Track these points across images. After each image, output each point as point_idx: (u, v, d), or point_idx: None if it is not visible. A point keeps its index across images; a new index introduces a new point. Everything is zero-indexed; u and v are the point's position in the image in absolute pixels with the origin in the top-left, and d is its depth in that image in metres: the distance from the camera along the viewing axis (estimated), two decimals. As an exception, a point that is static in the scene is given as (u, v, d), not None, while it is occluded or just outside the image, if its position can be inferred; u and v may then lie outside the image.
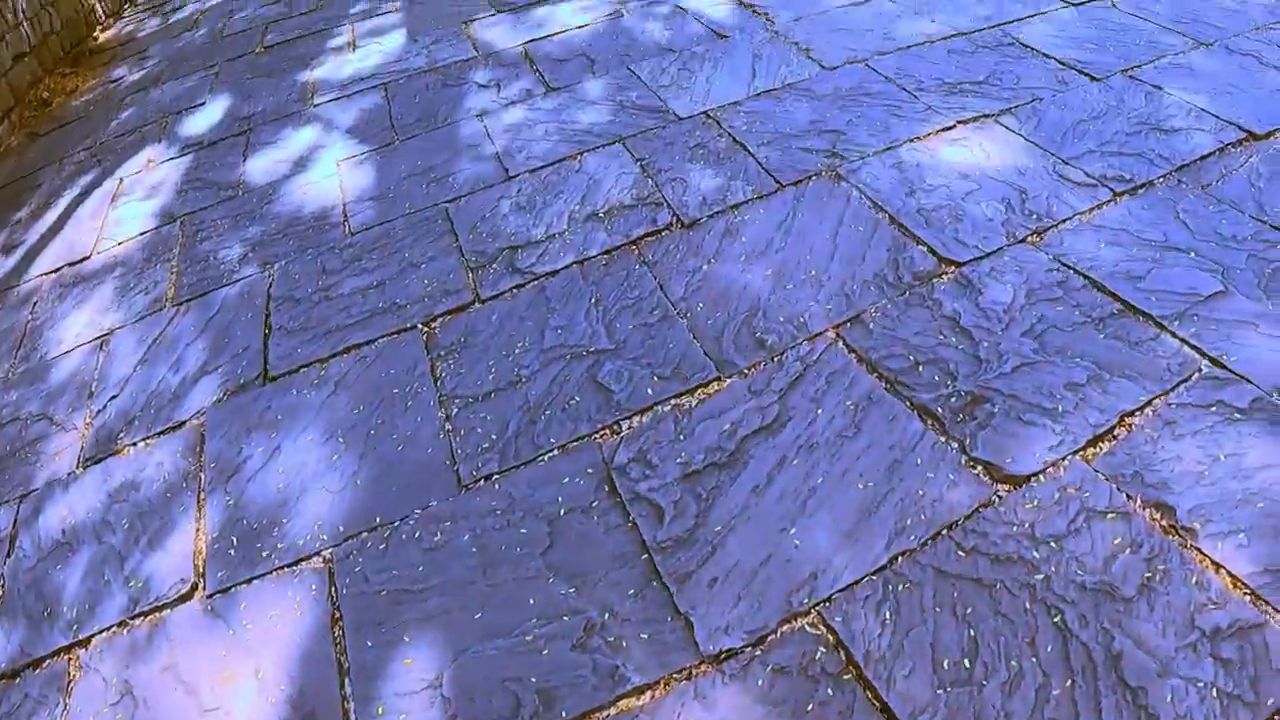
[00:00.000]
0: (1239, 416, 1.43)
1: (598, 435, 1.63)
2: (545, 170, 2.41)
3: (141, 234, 2.68)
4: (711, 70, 2.68)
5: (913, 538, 1.34)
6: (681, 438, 1.59)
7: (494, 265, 2.13)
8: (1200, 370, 1.51)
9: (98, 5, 5.47)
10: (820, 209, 2.00)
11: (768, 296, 1.82)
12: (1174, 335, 1.58)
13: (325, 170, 2.79)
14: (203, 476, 1.71)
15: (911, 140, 2.18)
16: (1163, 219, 1.86)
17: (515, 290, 2.03)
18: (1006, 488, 1.38)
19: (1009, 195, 1.95)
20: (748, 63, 2.68)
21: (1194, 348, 1.55)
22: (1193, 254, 1.75)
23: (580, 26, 3.23)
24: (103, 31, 5.43)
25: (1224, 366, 1.51)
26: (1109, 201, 1.92)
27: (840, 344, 1.68)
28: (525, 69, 3.02)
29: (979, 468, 1.42)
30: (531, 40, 3.22)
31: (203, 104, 3.63)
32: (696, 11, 3.17)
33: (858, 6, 2.98)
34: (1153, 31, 2.67)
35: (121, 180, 3.11)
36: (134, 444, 1.83)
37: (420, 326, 2.00)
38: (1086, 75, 2.42)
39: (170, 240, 2.61)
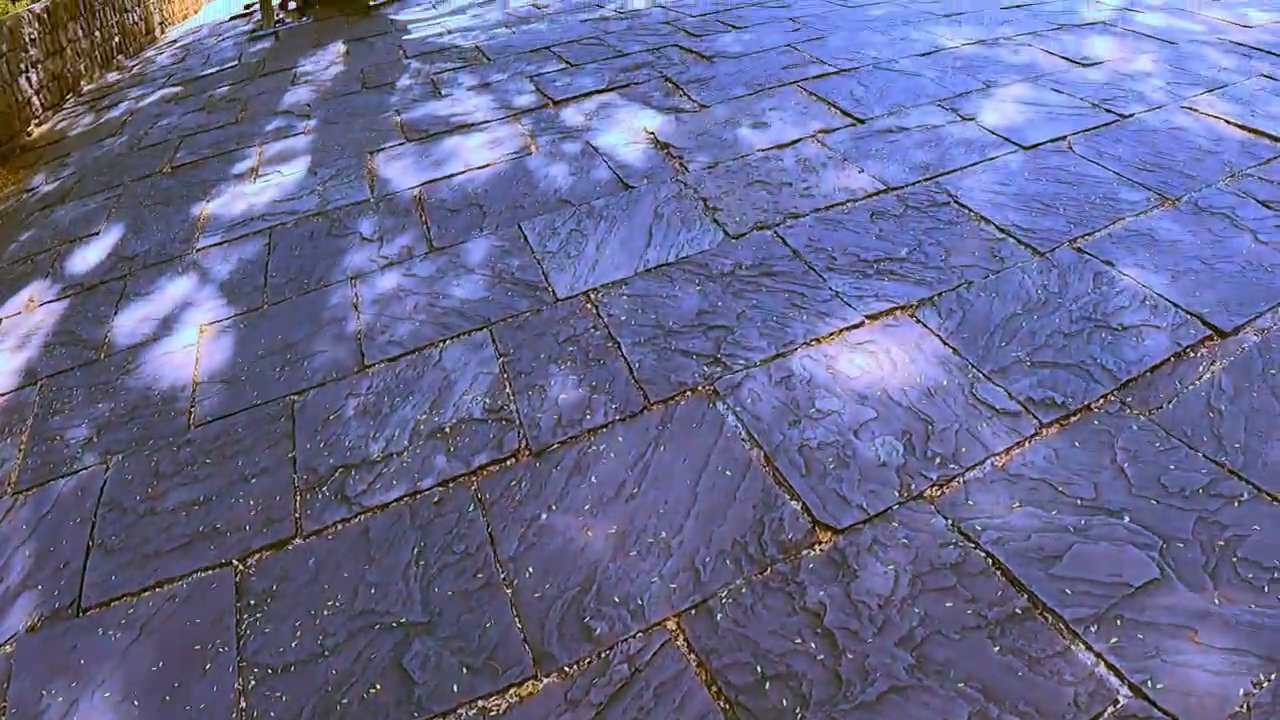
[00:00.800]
0: (1163, 785, 1.18)
1: (390, 744, 1.41)
2: (402, 361, 2.27)
3: (2, 395, 2.57)
4: (605, 233, 2.55)
5: None
6: (477, 764, 1.37)
7: (323, 489, 1.96)
8: (1116, 703, 1.28)
9: (34, 98, 5.58)
10: (686, 442, 1.82)
11: (606, 564, 1.62)
12: (1088, 647, 1.35)
13: (187, 337, 2.68)
14: (3, 725, 1.54)
15: (809, 343, 2.00)
16: (1096, 463, 1.65)
17: (339, 526, 1.85)
18: None
19: (912, 428, 1.76)
20: (646, 225, 2.55)
21: (1111, 667, 1.32)
22: (1127, 518, 1.53)
23: (483, 166, 3.15)
24: (38, 126, 5.54)
25: (1146, 698, 1.28)
26: (1033, 437, 1.72)
27: (680, 640, 1.47)
28: (414, 219, 2.92)
29: None
30: (430, 181, 3.14)
31: (97, 234, 3.59)
32: (608, 151, 3.08)
33: (781, 150, 2.87)
34: (1111, 184, 2.52)
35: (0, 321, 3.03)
36: (-48, 666, 1.67)
37: (236, 563, 1.82)
38: (1028, 247, 2.25)
39: (26, 408, 2.49)
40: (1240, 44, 3.77)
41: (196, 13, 9.82)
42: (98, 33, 6.85)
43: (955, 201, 2.47)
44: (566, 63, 4.23)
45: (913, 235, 2.33)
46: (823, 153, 2.83)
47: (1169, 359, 1.87)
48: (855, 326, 2.03)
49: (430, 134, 3.58)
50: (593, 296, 2.29)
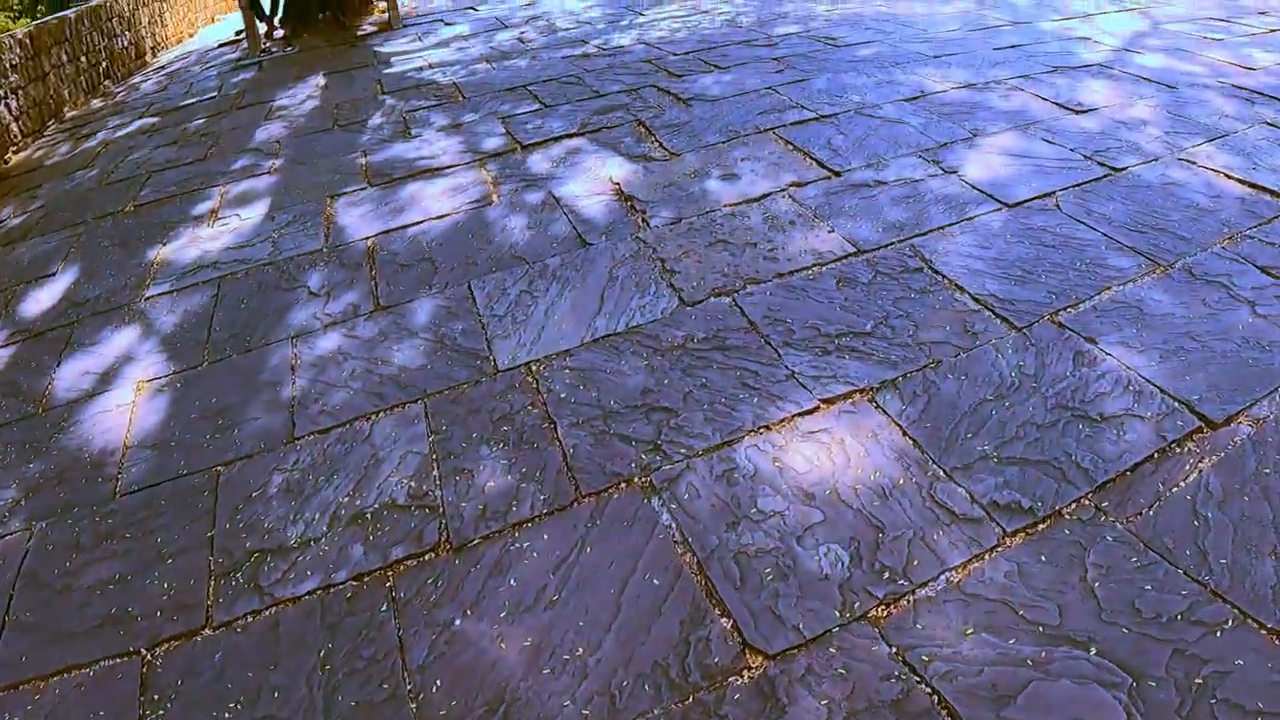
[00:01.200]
0: None
1: None
2: (332, 434, 2.16)
3: (-62, 450, 2.47)
4: (556, 296, 2.44)
5: None
6: None
7: (238, 575, 1.85)
8: None
9: (14, 125, 5.56)
10: (616, 542, 1.69)
11: (518, 682, 1.48)
12: (1043, 813, 1.20)
13: (124, 394, 2.59)
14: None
15: (757, 431, 1.87)
16: (1063, 581, 1.50)
17: (249, 618, 1.74)
18: None
19: (860, 535, 1.62)
20: (599, 288, 2.44)
21: (1070, 840, 1.17)
22: (1094, 650, 1.39)
23: (441, 216, 3.05)
24: (16, 153, 5.52)
25: None
26: (995, 548, 1.57)
27: (589, 784, 1.33)
28: (364, 274, 2.82)
29: None
30: (385, 231, 3.05)
31: (53, 275, 3.52)
32: (570, 203, 2.98)
33: (750, 205, 2.75)
34: (1099, 247, 2.39)
35: (-54, 367, 2.94)
36: None
37: (144, 652, 1.71)
38: (1005, 321, 2.12)
39: (-43, 466, 2.38)
40: (1242, 88, 3.65)
41: (192, 36, 9.87)
42: (84, 58, 6.84)
43: (929, 267, 2.34)
44: (541, 103, 4.15)
45: (880, 306, 2.20)
46: (792, 209, 2.71)
47: (1152, 455, 1.73)
48: (809, 412, 1.90)
49: (393, 179, 3.49)
50: (534, 369, 2.18)
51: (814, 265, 2.39)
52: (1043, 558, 1.55)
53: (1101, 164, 2.91)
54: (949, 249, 2.41)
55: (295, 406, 2.29)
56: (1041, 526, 1.61)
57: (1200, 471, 1.69)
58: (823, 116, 3.46)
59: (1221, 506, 1.61)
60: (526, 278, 2.57)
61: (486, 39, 5.99)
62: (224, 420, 2.32)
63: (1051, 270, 2.30)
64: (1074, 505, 1.64)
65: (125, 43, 7.67)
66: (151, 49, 8.40)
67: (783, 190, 2.85)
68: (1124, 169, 2.87)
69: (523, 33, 6.02)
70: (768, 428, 1.88)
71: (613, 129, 3.61)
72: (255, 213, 3.56)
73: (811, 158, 3.06)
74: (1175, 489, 1.66)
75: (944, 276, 2.29)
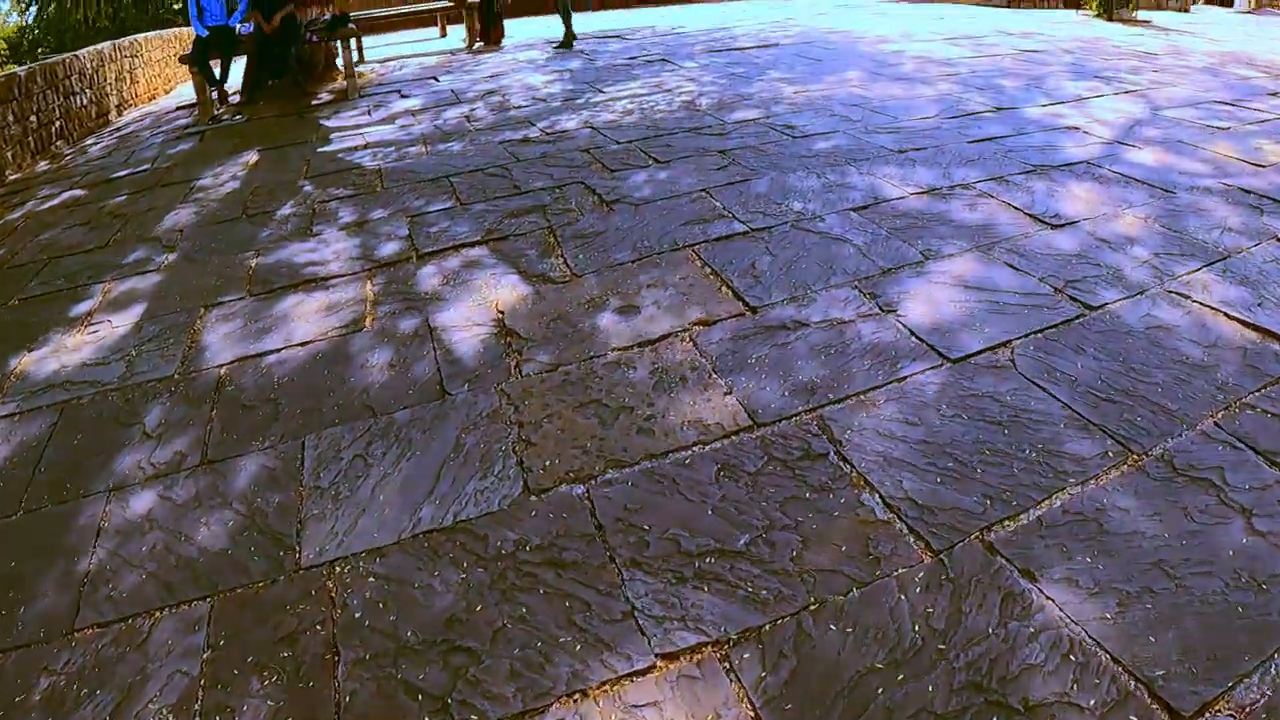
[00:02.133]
0: None
1: None
2: (111, 631, 1.78)
3: None
4: (390, 466, 2.06)
5: None
6: None
7: None
8: None
9: (-61, 196, 5.35)
10: None
11: None
12: None
13: None
14: None
15: (570, 697, 1.45)
16: None
17: None
18: None
19: None
20: (439, 459, 2.05)
21: None
22: None
23: (304, 343, 2.70)
24: (-63, 227, 5.29)
25: None
26: None
27: None
28: (204, 413, 2.46)
29: None
30: (242, 358, 2.70)
31: (-87, 382, 3.19)
32: (445, 334, 2.61)
33: (641, 350, 2.37)
34: (1056, 425, 1.97)
35: None
36: None
37: None
38: (919, 538, 1.70)
39: None
40: (1250, 192, 3.24)
41: (168, 93, 9.80)
42: (34, 117, 6.66)
43: (837, 452, 1.93)
44: (457, 199, 3.83)
45: (763, 511, 1.78)
46: (689, 358, 2.32)
47: (1090, 774, 1.29)
48: (641, 673, 1.48)
49: (274, 288, 3.16)
50: (338, 571, 1.78)
51: (695, 444, 1.99)
52: None
53: (1074, 299, 2.51)
54: (866, 426, 2.00)
55: (86, 586, 1.93)
56: None
57: (1156, 804, 1.25)
58: (753, 231, 3.09)
59: None
60: (367, 436, 2.19)
61: (435, 115, 5.74)
62: (16, 592, 1.97)
63: (991, 462, 1.88)
64: None
65: (84, 101, 7.53)
66: (117, 106, 8.28)
67: (685, 330, 2.46)
68: (1100, 307, 2.46)
69: (473, 110, 5.77)
70: (584, 693, 1.46)
71: (520, 237, 3.26)
72: (126, 321, 3.25)
73: (728, 286, 2.68)
74: (1119, 837, 1.21)
75: (852, 468, 1.88)
